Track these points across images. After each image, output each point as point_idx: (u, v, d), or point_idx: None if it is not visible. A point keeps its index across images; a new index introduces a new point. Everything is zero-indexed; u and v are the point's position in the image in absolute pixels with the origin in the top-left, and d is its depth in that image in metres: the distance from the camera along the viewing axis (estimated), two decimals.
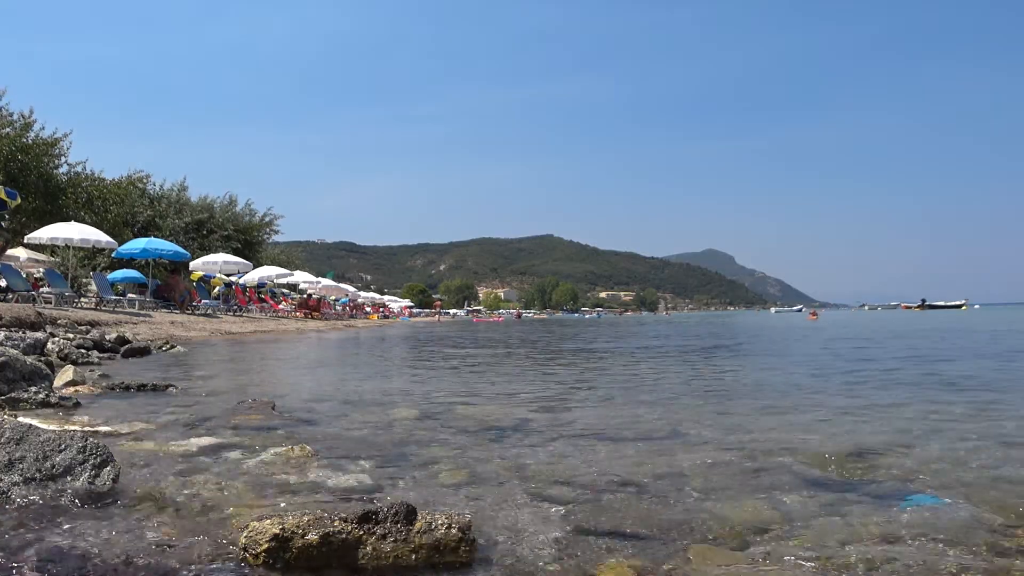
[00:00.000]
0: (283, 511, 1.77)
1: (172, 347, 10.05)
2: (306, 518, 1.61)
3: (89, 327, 11.27)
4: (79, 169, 23.57)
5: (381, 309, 53.25)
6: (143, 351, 8.70)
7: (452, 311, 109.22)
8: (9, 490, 1.83)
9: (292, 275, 32.32)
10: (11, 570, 1.49)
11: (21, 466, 1.87)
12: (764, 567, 1.62)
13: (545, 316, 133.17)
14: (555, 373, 7.30)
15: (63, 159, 22.84)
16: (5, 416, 3.09)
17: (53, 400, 3.38)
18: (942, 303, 77.79)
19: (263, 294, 30.53)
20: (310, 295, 33.33)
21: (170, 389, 4.76)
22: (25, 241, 19.89)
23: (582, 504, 2.14)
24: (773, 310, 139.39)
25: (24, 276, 17.54)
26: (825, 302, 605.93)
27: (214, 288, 26.19)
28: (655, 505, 2.14)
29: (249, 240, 35.12)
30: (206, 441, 2.86)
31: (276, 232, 39.41)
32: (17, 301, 14.11)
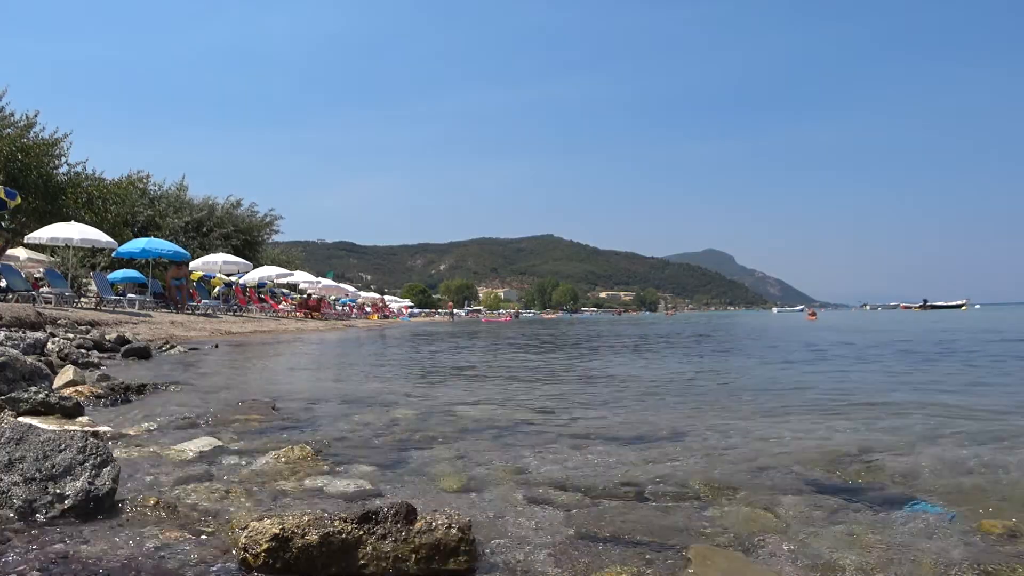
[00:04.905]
0: (283, 511, 1.77)
1: (172, 347, 10.05)
2: (306, 518, 1.61)
3: (89, 327, 11.26)
4: (79, 169, 23.58)
5: (381, 309, 53.25)
6: (143, 351, 8.70)
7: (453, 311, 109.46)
8: (9, 490, 1.83)
9: (292, 275, 32.35)
10: (12, 573, 1.49)
11: (21, 466, 1.87)
12: (763, 571, 1.62)
13: (545, 316, 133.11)
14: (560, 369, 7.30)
15: (63, 159, 22.86)
16: (5, 416, 3.09)
17: (53, 400, 3.38)
18: (942, 303, 77.78)
19: (263, 294, 30.53)
20: (310, 295, 33.34)
21: (170, 388, 4.75)
22: (25, 241, 19.90)
23: (583, 506, 2.14)
24: (775, 310, 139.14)
25: (24, 276, 17.54)
26: (825, 302, 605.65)
27: (214, 288, 26.20)
28: (655, 508, 2.14)
29: (249, 240, 35.11)
30: (206, 441, 2.86)
31: (276, 232, 39.38)
32: (17, 301, 14.11)
